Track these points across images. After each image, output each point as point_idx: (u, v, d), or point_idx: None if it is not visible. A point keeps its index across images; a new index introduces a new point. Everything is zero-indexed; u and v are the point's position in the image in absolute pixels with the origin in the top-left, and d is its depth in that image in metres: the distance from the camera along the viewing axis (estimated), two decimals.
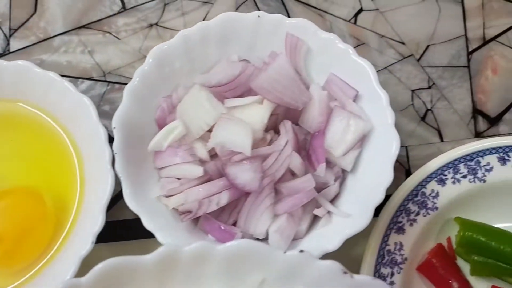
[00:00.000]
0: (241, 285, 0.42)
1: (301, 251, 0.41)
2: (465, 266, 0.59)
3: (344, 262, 0.58)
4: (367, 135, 0.55)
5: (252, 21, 0.57)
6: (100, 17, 0.70)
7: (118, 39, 0.69)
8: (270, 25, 0.57)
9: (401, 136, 0.66)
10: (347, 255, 0.59)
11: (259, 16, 0.57)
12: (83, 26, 0.70)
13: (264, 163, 0.52)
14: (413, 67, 0.69)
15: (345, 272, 0.41)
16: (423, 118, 0.67)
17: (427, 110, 0.67)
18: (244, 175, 0.51)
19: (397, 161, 0.65)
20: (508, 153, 0.59)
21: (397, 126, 0.66)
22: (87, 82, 0.68)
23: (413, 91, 0.68)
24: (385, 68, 0.68)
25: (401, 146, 0.65)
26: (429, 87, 0.68)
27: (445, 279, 0.57)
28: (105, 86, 0.68)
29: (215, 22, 0.57)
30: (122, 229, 0.61)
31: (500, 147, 0.59)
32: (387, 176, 0.51)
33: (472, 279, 0.58)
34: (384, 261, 0.55)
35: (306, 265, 0.41)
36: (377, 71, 0.67)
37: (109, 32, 0.69)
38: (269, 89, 0.54)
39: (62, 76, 0.67)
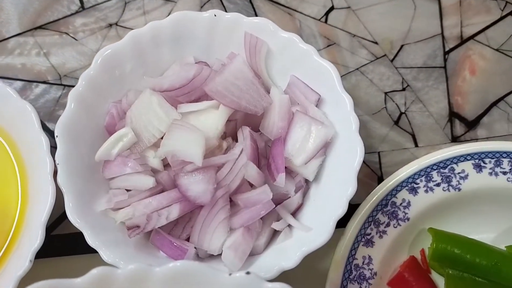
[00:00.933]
0: None
1: (248, 272, 0.37)
2: (440, 280, 0.55)
3: (310, 276, 0.54)
4: (331, 142, 0.51)
5: (208, 20, 0.54)
6: (57, 17, 0.66)
7: (76, 40, 0.65)
8: (228, 25, 0.54)
9: (373, 141, 0.63)
10: (314, 268, 0.56)
11: (215, 15, 0.53)
12: (39, 27, 0.66)
13: (218, 173, 0.49)
14: (386, 68, 0.65)
15: None
16: (396, 122, 0.63)
17: (401, 113, 0.64)
18: (196, 186, 0.47)
19: (369, 167, 0.62)
20: (484, 159, 0.55)
21: (369, 130, 0.63)
22: (42, 86, 0.64)
23: (386, 93, 0.64)
24: (357, 69, 0.65)
25: (373, 152, 0.62)
26: (403, 89, 0.64)
27: None
28: (60, 89, 0.64)
29: (167, 21, 0.53)
30: (72, 242, 0.58)
31: (475, 153, 0.56)
32: (350, 187, 0.48)
33: None
34: (351, 277, 0.52)
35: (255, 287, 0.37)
36: (348, 72, 0.65)
37: (66, 33, 0.66)
38: (225, 93, 0.50)
39: (16, 79, 0.64)
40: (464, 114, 0.64)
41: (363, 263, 0.52)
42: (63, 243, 0.58)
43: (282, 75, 0.55)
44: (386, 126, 0.63)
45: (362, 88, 0.64)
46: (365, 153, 0.61)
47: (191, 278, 0.38)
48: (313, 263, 0.56)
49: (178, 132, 0.48)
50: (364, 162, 0.62)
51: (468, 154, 0.55)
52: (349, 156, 0.49)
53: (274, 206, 0.49)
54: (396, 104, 0.64)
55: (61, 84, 0.64)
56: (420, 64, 0.65)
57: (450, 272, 0.53)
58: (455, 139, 0.63)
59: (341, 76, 0.64)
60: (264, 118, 0.53)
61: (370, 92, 0.64)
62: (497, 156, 0.55)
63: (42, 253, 0.50)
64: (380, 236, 0.53)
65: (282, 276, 0.48)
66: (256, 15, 0.65)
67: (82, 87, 0.51)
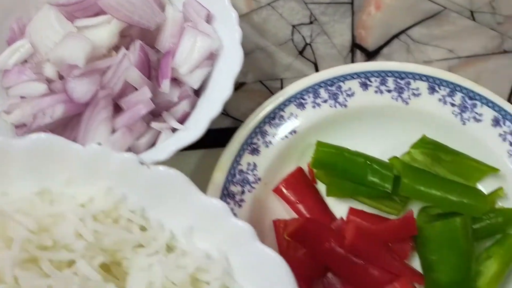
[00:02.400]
0: (49, 182, 0.42)
1: (99, 143, 0.40)
2: (324, 189, 0.58)
3: (198, 184, 0.57)
4: (217, 54, 0.55)
5: None
6: None
7: None
8: None
9: (278, 69, 0.66)
10: (204, 177, 0.58)
11: None
12: None
13: (104, 77, 0.52)
14: (296, 3, 0.68)
15: (142, 163, 0.40)
16: (301, 52, 0.67)
17: (306, 44, 0.67)
18: (81, 88, 0.50)
19: (271, 92, 0.65)
20: (370, 78, 0.58)
21: (275, 60, 0.66)
22: None
23: (294, 26, 0.67)
24: (268, 4, 0.68)
25: (276, 79, 0.65)
26: (311, 23, 0.67)
27: (301, 201, 0.56)
28: None
29: None
30: None
31: (362, 72, 0.59)
32: (227, 91, 0.51)
33: (331, 202, 0.58)
34: (234, 180, 0.55)
35: (106, 158, 0.41)
36: (259, 7, 0.68)
37: None
38: (118, 8, 0.53)
39: None
40: (366, 46, 0.67)
41: (247, 168, 0.56)
42: None
43: None
44: (291, 56, 0.66)
45: (271, 21, 0.68)
46: (269, 80, 0.65)
47: (49, 150, 0.41)
48: (203, 173, 0.58)
49: (67, 41, 0.51)
50: (267, 87, 0.65)
51: (355, 73, 0.59)
52: (230, 64, 0.52)
53: (154, 106, 0.52)
54: (302, 36, 0.67)
55: None
56: (329, 0, 0.68)
57: (331, 179, 0.56)
58: None
59: (252, 11, 0.68)
60: (159, 35, 0.56)
61: (279, 26, 0.67)
62: (383, 75, 0.58)
63: None
64: (266, 146, 0.57)
65: None
66: None
67: None
